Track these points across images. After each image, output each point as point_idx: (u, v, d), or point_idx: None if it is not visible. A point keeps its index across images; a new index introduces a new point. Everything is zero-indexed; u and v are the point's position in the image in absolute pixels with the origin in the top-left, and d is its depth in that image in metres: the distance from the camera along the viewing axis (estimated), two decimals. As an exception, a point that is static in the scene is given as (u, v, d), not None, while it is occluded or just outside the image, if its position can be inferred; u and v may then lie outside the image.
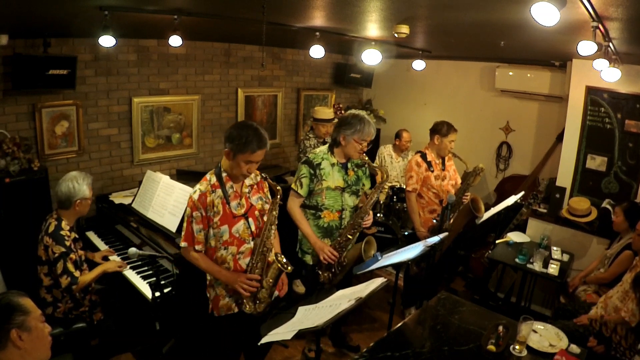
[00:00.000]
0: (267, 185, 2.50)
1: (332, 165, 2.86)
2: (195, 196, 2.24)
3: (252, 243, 2.37)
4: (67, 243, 2.55)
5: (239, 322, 2.43)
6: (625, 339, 2.33)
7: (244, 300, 2.35)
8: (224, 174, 2.31)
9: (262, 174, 2.48)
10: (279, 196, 2.35)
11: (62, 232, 2.56)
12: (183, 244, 2.30)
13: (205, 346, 2.65)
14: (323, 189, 2.84)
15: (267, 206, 2.45)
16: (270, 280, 2.33)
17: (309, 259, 3.00)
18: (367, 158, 2.89)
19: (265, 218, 2.42)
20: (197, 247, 2.29)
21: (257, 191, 2.45)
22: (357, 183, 2.95)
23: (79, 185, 2.62)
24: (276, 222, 2.38)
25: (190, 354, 2.99)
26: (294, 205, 2.90)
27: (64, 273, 2.51)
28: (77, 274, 2.56)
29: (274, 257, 2.30)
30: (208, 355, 2.57)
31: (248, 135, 2.19)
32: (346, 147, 2.83)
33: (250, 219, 2.36)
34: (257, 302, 2.36)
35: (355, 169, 2.94)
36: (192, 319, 2.92)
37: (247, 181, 2.39)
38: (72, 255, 2.56)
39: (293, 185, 2.89)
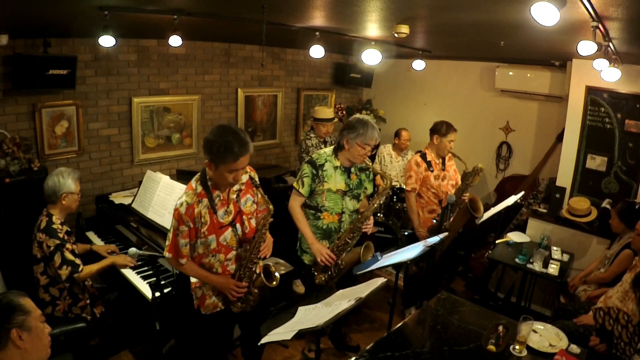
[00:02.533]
0: (256, 178, 2.37)
1: (335, 168, 2.85)
2: (182, 209, 2.10)
3: (240, 250, 2.32)
4: (61, 235, 2.57)
5: (226, 318, 2.43)
6: (627, 328, 2.33)
7: (232, 302, 2.36)
8: (209, 182, 2.18)
9: (255, 181, 2.32)
10: (270, 214, 2.24)
11: (54, 226, 2.57)
12: (167, 254, 2.20)
13: (194, 343, 2.65)
14: (324, 190, 2.84)
15: (254, 207, 2.37)
16: (256, 291, 2.33)
17: (306, 258, 3.00)
18: (370, 163, 2.88)
19: (253, 222, 2.36)
20: (181, 261, 2.20)
21: (246, 192, 2.32)
22: (359, 187, 2.94)
23: (64, 179, 2.63)
24: (264, 237, 2.31)
25: (190, 354, 2.99)
26: (295, 204, 2.89)
27: (63, 264, 2.51)
28: (78, 261, 2.57)
29: (261, 271, 2.27)
30: (204, 355, 2.56)
31: (227, 143, 2.00)
32: (349, 151, 2.81)
33: (237, 225, 2.29)
34: (245, 303, 2.36)
35: (358, 173, 2.93)
36: (192, 318, 2.93)
37: (235, 187, 2.27)
38: (68, 246, 2.57)
39: (295, 184, 2.88)
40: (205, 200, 2.16)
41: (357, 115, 2.92)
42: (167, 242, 2.21)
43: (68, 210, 2.72)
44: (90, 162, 3.90)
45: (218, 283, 2.29)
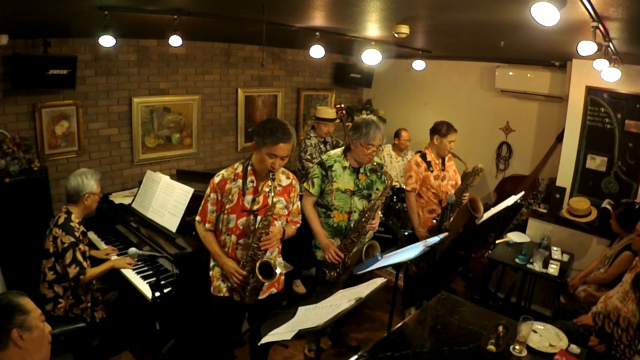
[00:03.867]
0: (296, 191, 2.55)
1: (344, 168, 2.93)
2: (217, 179, 2.39)
3: (250, 239, 2.40)
4: (77, 234, 2.60)
5: (228, 306, 2.50)
6: (627, 332, 2.33)
7: (234, 289, 2.42)
8: (249, 167, 2.39)
9: (296, 188, 2.51)
10: (271, 208, 2.29)
11: (72, 224, 2.61)
12: (197, 217, 2.47)
13: (199, 336, 2.67)
14: (333, 190, 2.92)
15: (284, 212, 2.47)
16: (254, 284, 2.35)
17: (319, 254, 3.05)
18: (376, 163, 2.94)
19: (277, 223, 2.43)
20: (207, 226, 2.43)
21: (281, 194, 2.45)
22: (369, 187, 2.98)
23: (87, 180, 2.70)
24: (267, 229, 2.32)
25: (190, 353, 2.99)
26: (306, 203, 2.99)
27: (72, 262, 2.54)
28: (85, 264, 2.60)
29: (258, 264, 2.27)
30: (204, 354, 2.58)
31: (272, 127, 2.25)
32: (355, 152, 2.89)
33: (259, 217, 2.37)
34: (245, 294, 2.39)
35: (369, 174, 2.98)
36: (192, 318, 2.93)
37: (271, 182, 2.32)
38: (81, 246, 2.61)
39: (305, 185, 2.99)
40: (239, 181, 2.38)
41: (363, 116, 2.97)
42: (200, 208, 2.47)
43: (88, 210, 2.78)
44: (90, 162, 3.89)
45: (224, 264, 2.40)
